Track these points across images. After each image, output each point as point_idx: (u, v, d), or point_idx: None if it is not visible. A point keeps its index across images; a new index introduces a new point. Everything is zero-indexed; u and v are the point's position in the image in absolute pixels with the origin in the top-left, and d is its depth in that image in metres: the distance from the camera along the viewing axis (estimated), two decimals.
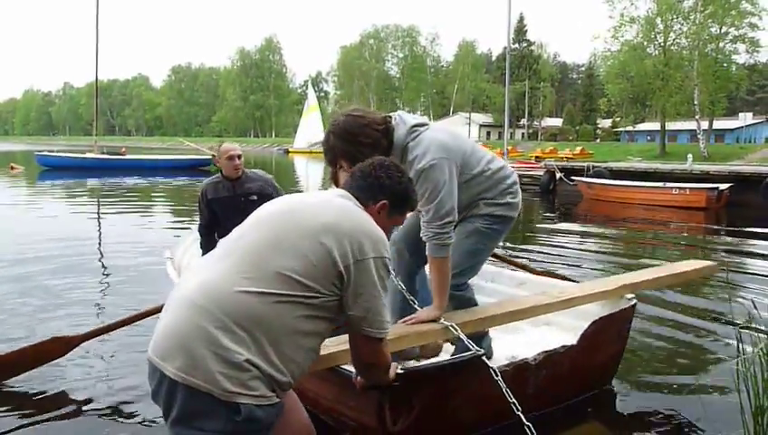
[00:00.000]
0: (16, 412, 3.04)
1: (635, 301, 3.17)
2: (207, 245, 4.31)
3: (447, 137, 2.69)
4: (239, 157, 4.23)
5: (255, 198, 4.14)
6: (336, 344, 2.32)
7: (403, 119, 2.69)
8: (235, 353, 1.60)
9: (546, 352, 2.73)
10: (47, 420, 2.99)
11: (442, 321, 2.56)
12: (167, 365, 1.63)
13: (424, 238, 2.63)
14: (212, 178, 4.41)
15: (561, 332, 3.29)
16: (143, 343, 3.76)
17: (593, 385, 3.16)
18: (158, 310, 2.91)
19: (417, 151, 2.58)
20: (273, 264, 1.69)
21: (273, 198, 4.15)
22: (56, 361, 3.40)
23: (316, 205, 1.86)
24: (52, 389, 3.30)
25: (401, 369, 2.22)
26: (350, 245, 1.73)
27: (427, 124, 2.74)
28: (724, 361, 3.63)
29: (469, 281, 3.01)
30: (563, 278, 4.16)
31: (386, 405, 2.33)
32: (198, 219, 4.51)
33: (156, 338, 1.71)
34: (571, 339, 2.88)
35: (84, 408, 3.11)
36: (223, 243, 1.88)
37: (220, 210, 4.27)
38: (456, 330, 2.50)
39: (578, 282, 3.89)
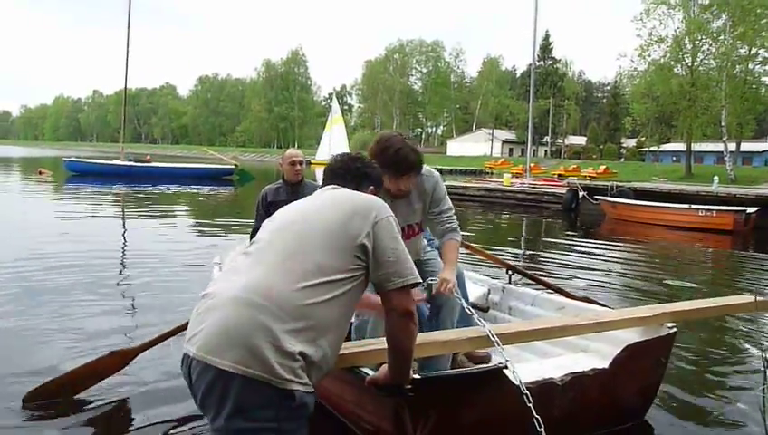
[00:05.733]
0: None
1: (675, 329, 3.01)
2: None
3: None
4: (300, 163, 4.53)
5: None
6: (356, 346, 2.34)
7: None
8: (289, 344, 1.73)
9: (574, 373, 2.63)
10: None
11: (481, 328, 2.53)
12: (222, 360, 1.71)
13: (450, 226, 3.13)
14: (274, 183, 4.63)
15: (598, 358, 3.09)
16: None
17: (627, 416, 3.00)
18: None
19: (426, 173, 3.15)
20: (309, 260, 1.86)
21: None
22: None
23: (321, 206, 2.05)
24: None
25: (418, 375, 2.17)
26: (361, 217, 1.94)
27: None
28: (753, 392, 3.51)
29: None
30: (601, 305, 4.03)
31: (403, 412, 2.28)
32: (254, 223, 4.58)
33: (204, 337, 1.77)
34: (605, 365, 2.77)
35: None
36: (250, 251, 2.00)
37: None
38: (494, 337, 2.45)
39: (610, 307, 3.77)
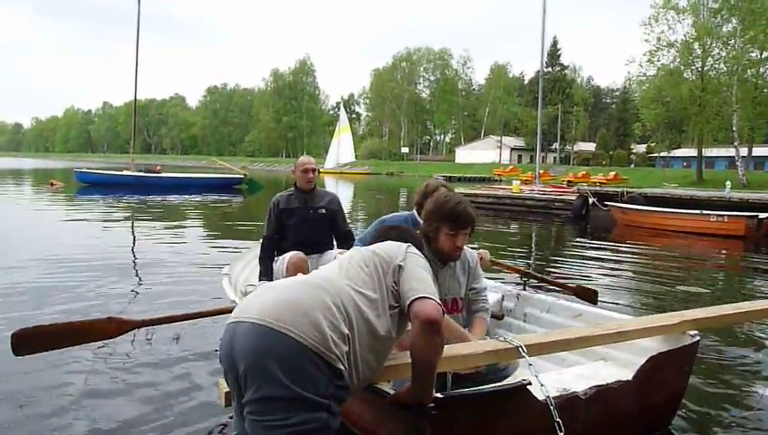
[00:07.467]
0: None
1: (698, 338, 2.95)
2: (267, 257, 4.46)
3: None
4: (313, 171, 4.58)
5: (324, 211, 4.54)
6: None
7: None
8: (341, 325, 1.89)
9: (598, 386, 2.59)
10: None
11: (511, 341, 2.47)
12: (287, 326, 1.80)
13: (485, 305, 3.15)
14: (285, 191, 4.67)
15: (618, 367, 3.06)
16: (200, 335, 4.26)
17: (650, 428, 2.95)
18: (222, 310, 3.45)
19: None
20: (358, 272, 2.12)
21: (337, 213, 4.54)
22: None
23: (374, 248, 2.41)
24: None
25: (440, 394, 2.13)
26: (398, 247, 2.26)
27: None
28: None
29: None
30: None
31: (426, 431, 2.21)
32: (265, 230, 4.60)
33: (261, 306, 1.89)
34: (628, 375, 2.72)
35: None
36: (324, 267, 2.37)
37: (289, 220, 4.50)
38: (523, 350, 2.40)
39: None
